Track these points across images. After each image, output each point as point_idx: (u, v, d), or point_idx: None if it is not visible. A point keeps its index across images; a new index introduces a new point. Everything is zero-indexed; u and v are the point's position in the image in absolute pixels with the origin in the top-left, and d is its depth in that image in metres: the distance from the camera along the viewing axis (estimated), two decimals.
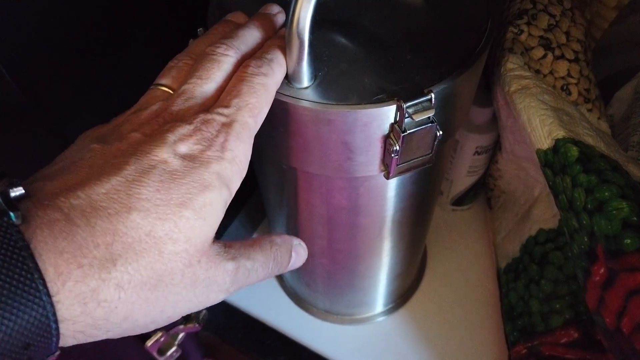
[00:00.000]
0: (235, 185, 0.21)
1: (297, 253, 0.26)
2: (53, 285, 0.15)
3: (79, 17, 0.27)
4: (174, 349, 0.42)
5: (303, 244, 0.26)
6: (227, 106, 0.21)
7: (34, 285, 0.15)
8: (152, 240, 0.18)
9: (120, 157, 0.19)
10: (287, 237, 0.26)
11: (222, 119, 0.20)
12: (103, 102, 0.28)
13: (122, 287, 0.17)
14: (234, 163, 0.20)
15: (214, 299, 0.21)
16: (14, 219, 0.15)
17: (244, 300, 0.48)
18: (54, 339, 0.16)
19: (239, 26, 0.25)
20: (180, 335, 0.42)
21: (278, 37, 0.24)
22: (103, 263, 0.16)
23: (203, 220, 0.19)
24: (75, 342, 0.17)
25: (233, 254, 0.21)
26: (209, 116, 0.20)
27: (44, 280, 0.15)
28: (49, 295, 0.15)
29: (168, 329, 0.41)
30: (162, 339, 0.41)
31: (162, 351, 0.42)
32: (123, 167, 0.18)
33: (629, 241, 0.24)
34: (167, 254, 0.18)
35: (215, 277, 0.20)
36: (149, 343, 0.40)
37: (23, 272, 0.15)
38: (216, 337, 0.47)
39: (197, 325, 0.41)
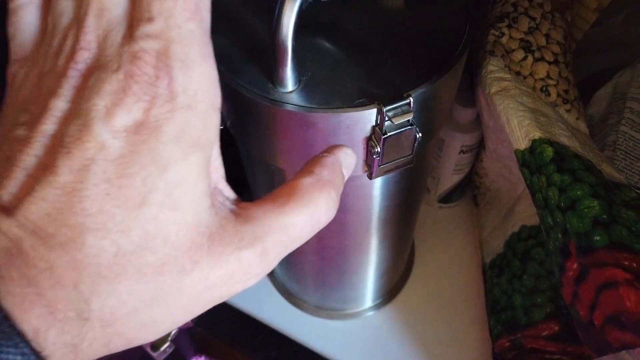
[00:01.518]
0: (209, 132, 0.16)
1: (347, 168, 0.20)
2: (36, 345, 0.14)
3: None
4: (167, 344, 0.43)
5: (349, 150, 0.20)
6: (150, 19, 0.14)
7: (23, 352, 0.13)
8: (123, 259, 0.14)
9: (49, 152, 0.14)
10: (336, 153, 0.19)
11: (154, 45, 0.14)
12: None
13: (108, 323, 0.14)
14: (193, 107, 0.15)
15: (236, 291, 0.17)
16: None
17: (235, 296, 0.49)
18: None
19: None
20: (174, 331, 0.43)
21: None
22: (77, 306, 0.14)
23: (176, 211, 0.15)
24: None
25: (253, 234, 0.16)
26: (134, 47, 0.14)
27: (28, 342, 0.13)
28: (37, 355, 0.14)
29: None
30: None
31: (155, 347, 0.43)
32: (54, 170, 0.14)
33: (598, 238, 0.25)
34: (149, 268, 0.15)
35: (230, 274, 0.16)
36: None
37: (10, 343, 0.13)
38: (208, 333, 0.47)
39: (189, 321, 0.42)
